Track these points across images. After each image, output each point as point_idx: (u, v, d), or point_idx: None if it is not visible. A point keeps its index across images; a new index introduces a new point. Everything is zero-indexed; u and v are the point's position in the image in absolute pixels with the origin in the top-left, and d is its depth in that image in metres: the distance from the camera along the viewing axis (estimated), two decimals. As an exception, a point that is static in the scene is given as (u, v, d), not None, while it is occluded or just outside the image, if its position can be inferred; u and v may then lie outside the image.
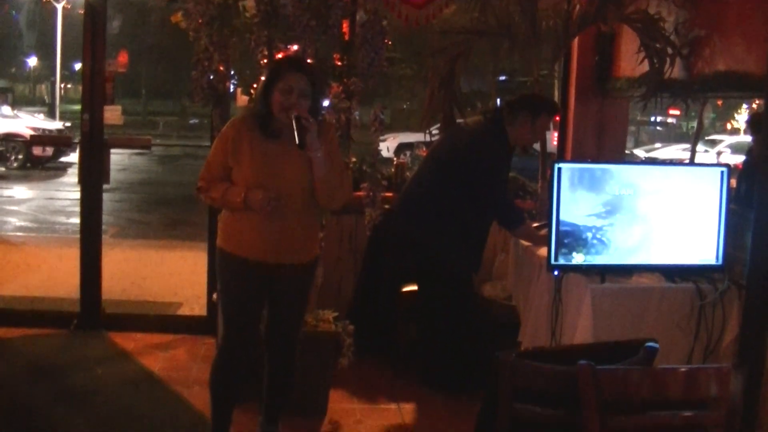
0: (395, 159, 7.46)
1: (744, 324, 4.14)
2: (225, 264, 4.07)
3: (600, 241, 4.40)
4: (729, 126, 41.98)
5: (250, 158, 3.91)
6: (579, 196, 4.36)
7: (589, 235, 4.39)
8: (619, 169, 4.51)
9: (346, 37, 5.02)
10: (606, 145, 6.26)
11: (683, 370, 2.80)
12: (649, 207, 4.42)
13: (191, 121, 37.14)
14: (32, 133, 19.35)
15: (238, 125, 3.99)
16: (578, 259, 4.40)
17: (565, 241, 4.39)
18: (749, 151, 8.04)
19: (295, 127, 3.81)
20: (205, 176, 4.03)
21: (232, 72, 5.05)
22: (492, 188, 5.15)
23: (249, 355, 4.18)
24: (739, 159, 15.61)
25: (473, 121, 5.44)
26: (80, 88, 6.34)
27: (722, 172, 4.47)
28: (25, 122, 21.22)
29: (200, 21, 4.73)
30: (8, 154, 19.55)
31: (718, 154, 23.92)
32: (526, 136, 5.24)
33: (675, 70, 5.11)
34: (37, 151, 19.36)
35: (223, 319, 4.16)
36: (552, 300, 4.48)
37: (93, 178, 6.19)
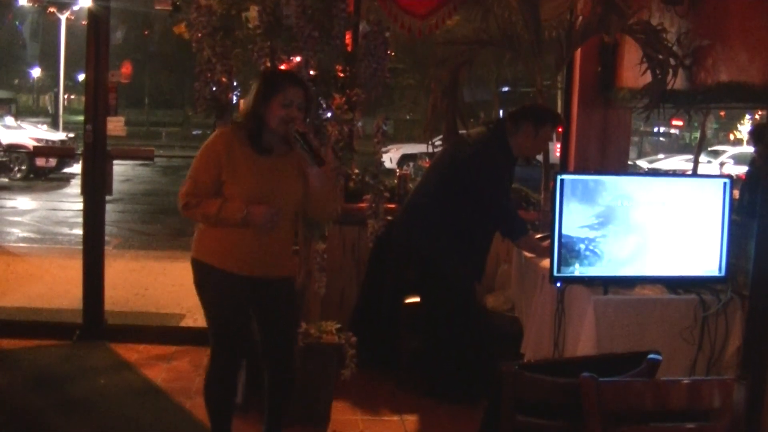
0: (398, 170, 7.46)
1: (747, 335, 4.13)
2: (209, 278, 4.00)
3: (593, 252, 4.40)
4: (732, 137, 41.99)
5: (248, 173, 3.88)
6: (573, 208, 4.36)
7: (582, 246, 4.38)
8: (618, 180, 4.51)
9: (349, 48, 5.03)
10: (609, 156, 6.25)
11: (685, 381, 2.80)
12: (651, 219, 4.42)
13: (194, 132, 37.19)
14: (36, 144, 19.37)
15: (228, 138, 3.92)
16: (576, 270, 4.40)
17: (560, 252, 4.39)
18: (752, 162, 8.04)
19: (304, 145, 3.84)
20: (192, 191, 3.89)
21: (235, 83, 5.06)
22: (494, 199, 5.14)
23: (239, 368, 4.17)
24: (742, 169, 15.60)
25: (476, 132, 5.45)
26: (84, 98, 6.35)
27: (725, 183, 4.47)
28: (29, 133, 21.26)
29: (204, 32, 4.74)
30: (12, 165, 19.57)
31: (721, 164, 23.88)
32: (529, 147, 5.24)
33: (678, 81, 5.11)
34: (40, 161, 19.39)
35: (211, 334, 4.07)
36: (555, 311, 4.48)
37: (96, 188, 6.20)
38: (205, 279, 4.03)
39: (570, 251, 4.38)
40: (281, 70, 4.56)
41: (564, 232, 4.37)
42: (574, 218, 4.37)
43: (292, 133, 3.84)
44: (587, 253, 4.39)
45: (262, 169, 3.91)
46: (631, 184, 4.52)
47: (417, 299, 5.51)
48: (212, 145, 3.94)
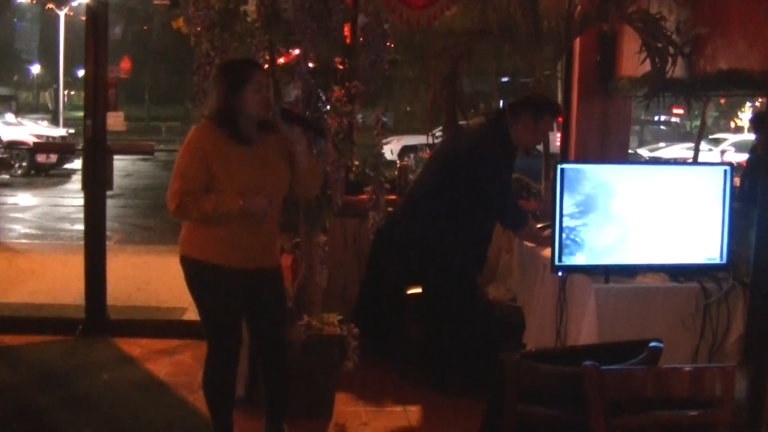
0: (398, 162, 7.46)
1: (749, 322, 4.13)
2: (202, 275, 4.01)
3: (574, 241, 4.38)
4: (732, 124, 41.92)
5: (239, 165, 3.87)
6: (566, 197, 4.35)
7: (565, 235, 4.38)
8: (619, 169, 4.50)
9: (348, 41, 5.02)
10: (609, 145, 6.25)
11: (688, 369, 2.80)
12: (651, 207, 4.40)
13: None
14: (36, 140, 19.38)
15: (210, 133, 3.89)
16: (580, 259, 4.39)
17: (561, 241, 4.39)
18: (753, 149, 8.03)
19: (294, 121, 3.89)
20: (184, 189, 3.84)
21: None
22: (494, 190, 5.14)
23: (237, 361, 4.17)
24: (742, 157, 15.58)
25: (475, 123, 5.45)
26: (83, 94, 6.34)
27: (725, 171, 4.46)
28: (29, 129, 21.25)
29: (202, 26, 4.73)
30: (12, 162, 19.56)
31: (722, 152, 23.85)
32: (529, 138, 5.22)
33: (677, 69, 5.11)
34: (41, 158, 19.40)
35: (207, 329, 4.08)
36: (557, 300, 4.48)
37: (96, 184, 6.20)
38: (198, 276, 4.05)
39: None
40: (238, 59, 4.51)
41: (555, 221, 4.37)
42: (565, 207, 4.35)
43: (276, 114, 3.86)
44: (568, 242, 4.37)
45: (250, 160, 3.91)
46: (630, 172, 4.52)
47: (419, 290, 5.51)
48: (196, 141, 3.90)
